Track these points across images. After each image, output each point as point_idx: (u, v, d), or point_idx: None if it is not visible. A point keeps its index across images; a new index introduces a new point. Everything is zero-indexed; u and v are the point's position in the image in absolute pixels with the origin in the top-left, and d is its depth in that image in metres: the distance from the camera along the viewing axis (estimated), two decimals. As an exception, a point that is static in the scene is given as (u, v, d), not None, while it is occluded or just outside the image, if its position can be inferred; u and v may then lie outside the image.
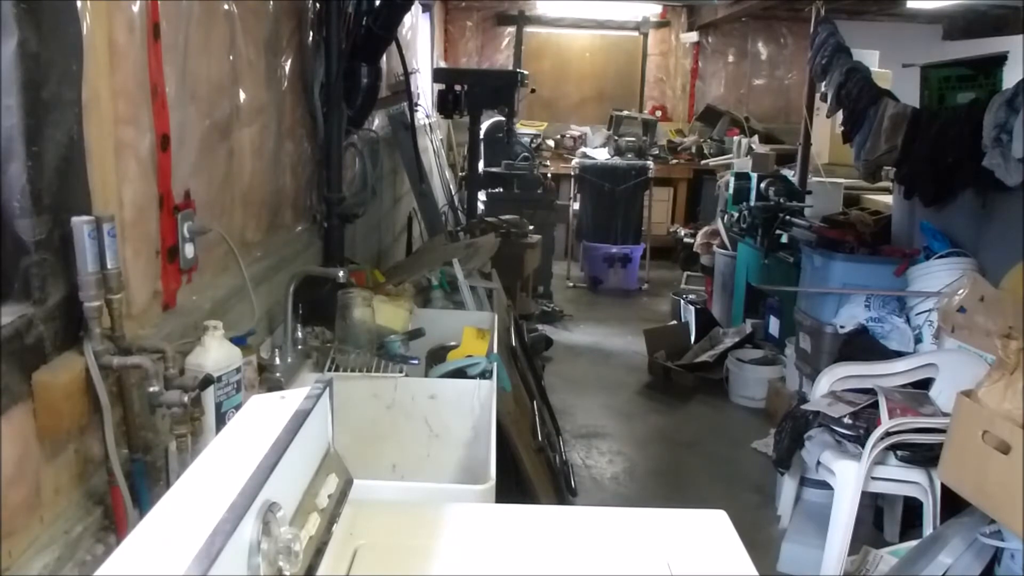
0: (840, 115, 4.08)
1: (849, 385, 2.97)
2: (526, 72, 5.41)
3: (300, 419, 0.97)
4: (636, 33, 8.26)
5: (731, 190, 5.37)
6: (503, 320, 2.98)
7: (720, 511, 1.20)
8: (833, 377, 3.01)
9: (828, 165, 5.69)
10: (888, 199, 4.87)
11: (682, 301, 5.55)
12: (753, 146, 6.89)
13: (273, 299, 2.21)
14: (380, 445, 2.07)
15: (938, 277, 3.29)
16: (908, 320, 3.41)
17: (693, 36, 8.21)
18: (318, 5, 2.68)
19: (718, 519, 1.18)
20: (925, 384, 2.89)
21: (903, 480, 2.63)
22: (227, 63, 1.95)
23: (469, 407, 2.07)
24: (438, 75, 5.46)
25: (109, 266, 1.30)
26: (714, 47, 8.39)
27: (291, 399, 1.05)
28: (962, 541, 2.32)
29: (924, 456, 2.57)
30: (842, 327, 3.48)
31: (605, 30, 8.33)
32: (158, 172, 1.56)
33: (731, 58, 8.41)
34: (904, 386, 2.91)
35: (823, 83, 4.22)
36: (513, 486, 2.35)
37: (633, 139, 7.27)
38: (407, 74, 3.79)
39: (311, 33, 2.67)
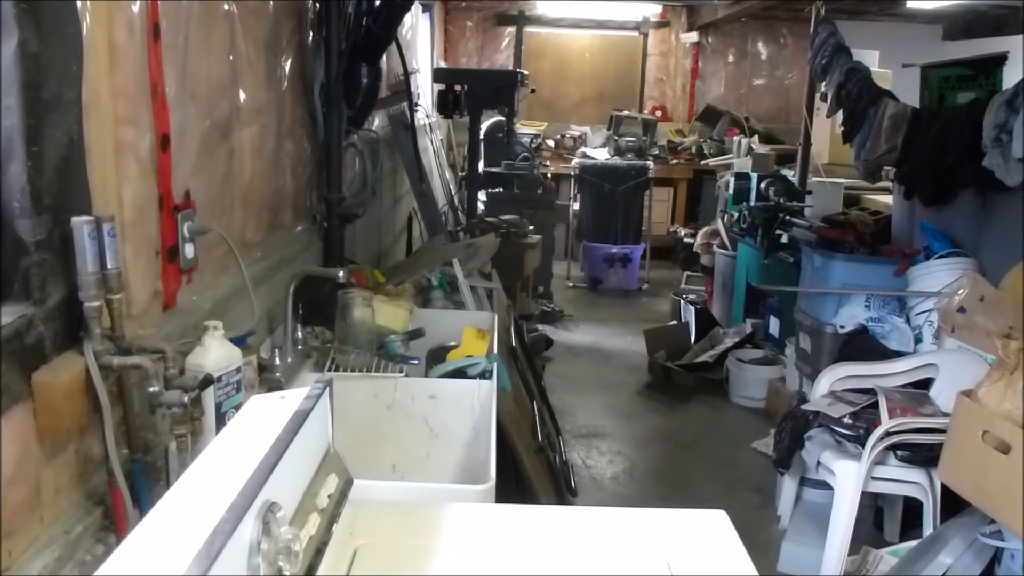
0: (840, 115, 4.08)
1: (849, 385, 2.97)
2: (526, 72, 5.41)
3: (300, 419, 0.97)
4: (636, 33, 8.26)
5: (731, 190, 5.37)
6: (503, 320, 2.98)
7: (720, 511, 1.20)
8: (833, 377, 3.01)
9: (828, 165, 5.69)
10: (888, 199, 4.87)
11: (682, 301, 5.55)
12: (753, 146, 6.89)
13: (273, 299, 2.21)
14: (380, 445, 2.07)
15: (938, 277, 3.29)
16: (908, 320, 3.41)
17: (693, 36, 8.21)
18: (318, 5, 2.68)
19: (718, 519, 1.18)
20: (925, 384, 2.89)
21: (903, 480, 2.63)
22: (227, 63, 1.95)
23: (469, 407, 2.07)
24: (438, 75, 5.46)
25: (109, 266, 1.30)
26: (714, 47, 8.39)
27: (291, 399, 1.05)
28: (962, 541, 2.32)
29: (924, 456, 2.57)
30: (842, 327, 3.48)
31: (605, 30, 8.33)
32: (158, 172, 1.56)
33: (731, 58, 8.42)
34: (904, 386, 2.91)
35: (823, 83, 4.23)
36: (513, 486, 2.35)
37: (633, 139, 7.27)
38: (407, 74, 3.79)
39: (311, 33, 2.67)
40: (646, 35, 8.24)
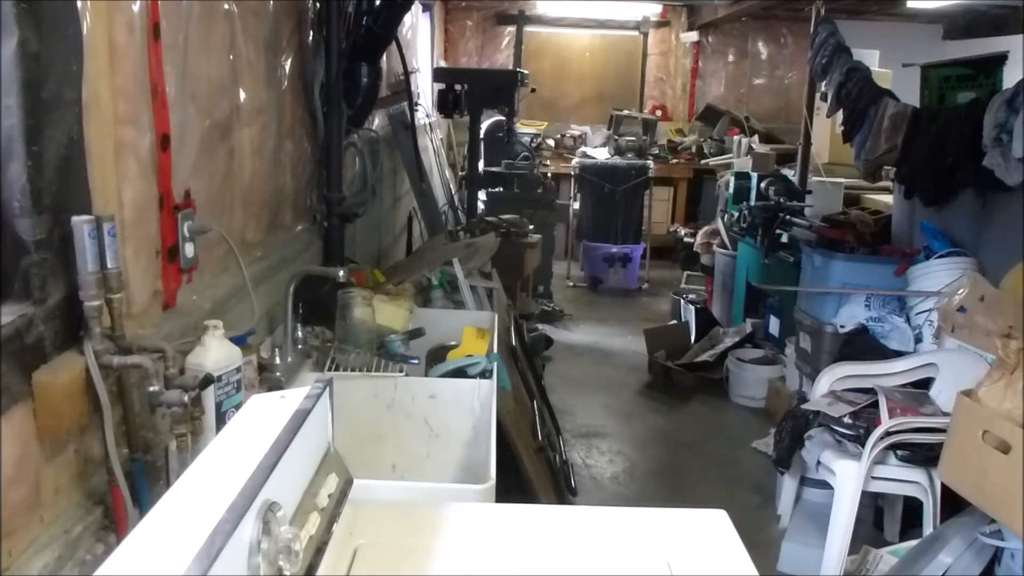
0: (840, 115, 4.08)
1: (849, 385, 2.97)
2: (526, 72, 5.41)
3: (300, 419, 0.97)
4: (636, 33, 8.26)
5: (731, 190, 5.37)
6: (503, 320, 2.98)
7: (720, 511, 1.20)
8: (833, 377, 3.01)
9: (828, 165, 5.69)
10: (888, 199, 4.87)
11: (682, 301, 5.55)
12: (753, 146, 6.88)
13: (273, 299, 2.20)
14: (380, 445, 2.07)
15: (938, 277, 3.29)
16: (908, 320, 3.41)
17: (693, 36, 8.21)
18: (318, 5, 2.68)
19: (718, 519, 1.18)
20: (925, 384, 2.89)
21: (903, 480, 2.64)
22: (227, 63, 1.95)
23: (469, 407, 2.07)
24: (438, 75, 5.46)
25: (109, 266, 1.30)
26: (714, 47, 8.39)
27: (291, 399, 1.05)
28: (962, 541, 2.32)
29: (924, 456, 2.57)
30: (842, 327, 3.48)
31: (605, 30, 8.33)
32: (158, 172, 1.56)
33: (731, 58, 8.42)
34: (904, 386, 2.91)
35: (823, 83, 4.23)
36: (513, 486, 2.35)
37: (633, 139, 7.27)
38: (407, 74, 3.79)
39: (311, 33, 2.67)
40: (646, 35, 8.24)
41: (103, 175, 1.36)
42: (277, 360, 1.97)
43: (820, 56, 4.22)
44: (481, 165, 5.63)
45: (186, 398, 1.33)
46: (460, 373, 2.17)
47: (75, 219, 1.25)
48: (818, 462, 2.74)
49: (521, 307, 4.78)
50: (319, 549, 0.94)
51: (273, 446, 0.90)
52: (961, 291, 2.98)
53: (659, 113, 8.30)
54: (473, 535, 1.14)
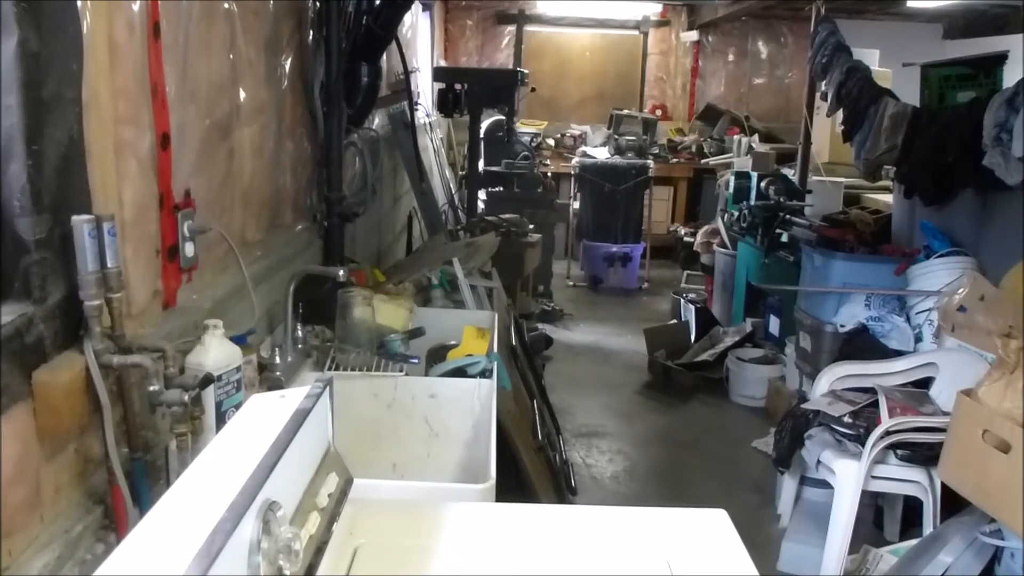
0: (840, 114, 4.08)
1: (849, 384, 2.97)
2: (526, 71, 5.41)
3: (300, 418, 0.97)
4: (636, 32, 8.26)
5: (731, 189, 5.37)
6: (503, 319, 2.98)
7: (720, 510, 1.20)
8: (833, 376, 3.01)
9: (828, 164, 5.69)
10: (888, 198, 4.87)
11: (682, 300, 5.55)
12: (753, 145, 6.88)
13: (273, 298, 2.21)
14: (380, 444, 2.07)
15: (938, 276, 3.29)
16: (908, 319, 3.40)
17: (693, 35, 8.21)
18: (318, 4, 2.68)
19: (718, 518, 1.18)
20: (925, 383, 2.89)
21: (903, 479, 2.63)
22: (227, 63, 1.95)
23: (469, 406, 2.07)
24: (438, 74, 5.47)
25: (109, 265, 1.30)
26: (714, 46, 8.39)
27: (291, 398, 1.05)
28: (962, 540, 2.32)
29: (924, 455, 2.57)
30: (842, 326, 3.48)
31: (605, 29, 8.33)
32: (158, 171, 1.56)
33: (731, 57, 8.41)
34: (904, 385, 2.91)
35: (823, 82, 4.22)
36: (513, 485, 2.35)
37: (633, 138, 7.27)
38: (407, 73, 3.79)
39: (311, 32, 2.67)
40: (646, 34, 8.24)
41: (103, 174, 1.36)
42: (277, 359, 1.97)
43: (820, 55, 4.22)
44: (481, 164, 5.63)
45: (186, 397, 1.33)
46: (460, 373, 2.17)
47: (75, 218, 1.25)
48: (818, 461, 2.74)
49: (521, 306, 4.78)
50: (319, 549, 0.94)
51: (273, 446, 0.90)
52: (961, 291, 2.98)
53: (659, 112, 8.30)
54: (473, 535, 1.14)
